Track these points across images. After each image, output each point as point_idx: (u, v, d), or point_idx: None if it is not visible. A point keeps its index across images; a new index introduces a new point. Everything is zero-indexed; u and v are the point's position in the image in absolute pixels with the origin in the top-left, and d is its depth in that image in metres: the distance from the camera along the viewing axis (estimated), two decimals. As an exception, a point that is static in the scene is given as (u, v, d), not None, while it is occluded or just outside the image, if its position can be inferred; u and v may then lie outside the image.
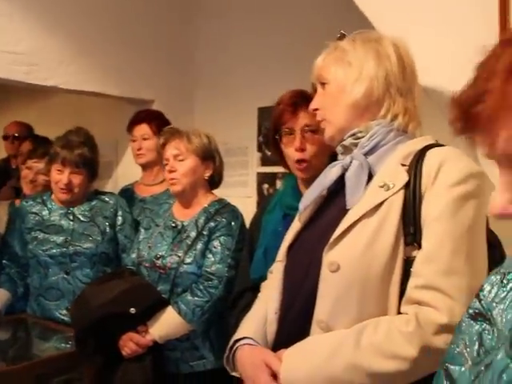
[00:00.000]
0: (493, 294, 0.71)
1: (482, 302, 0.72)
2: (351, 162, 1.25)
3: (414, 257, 1.11)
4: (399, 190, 1.15)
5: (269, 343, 1.28)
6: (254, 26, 3.28)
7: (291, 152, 1.66)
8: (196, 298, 1.95)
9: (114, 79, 3.13)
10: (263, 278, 1.50)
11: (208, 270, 1.98)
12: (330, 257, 1.16)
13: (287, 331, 1.25)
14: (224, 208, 2.10)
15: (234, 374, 1.32)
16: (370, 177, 1.23)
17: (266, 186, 3.28)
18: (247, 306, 1.47)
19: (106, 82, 3.09)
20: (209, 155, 2.13)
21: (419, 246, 1.11)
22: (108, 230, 2.36)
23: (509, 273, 0.71)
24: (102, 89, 3.09)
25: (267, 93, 2.99)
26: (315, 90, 1.37)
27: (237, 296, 1.80)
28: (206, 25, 3.53)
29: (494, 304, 0.70)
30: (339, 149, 1.32)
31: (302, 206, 1.33)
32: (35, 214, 2.39)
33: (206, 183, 2.15)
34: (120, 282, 1.98)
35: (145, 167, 2.76)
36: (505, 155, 0.57)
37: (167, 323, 1.96)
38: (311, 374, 1.12)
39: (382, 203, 1.15)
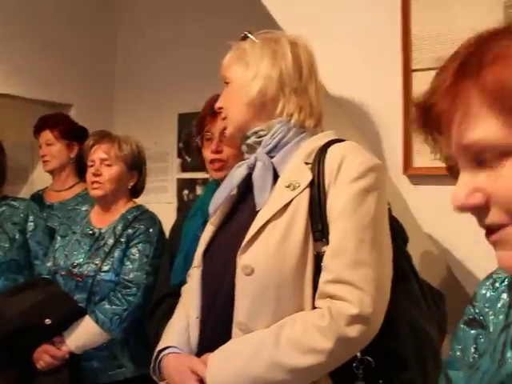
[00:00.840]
0: (485, 300, 0.74)
1: (476, 308, 0.75)
2: (256, 162, 1.29)
3: (324, 252, 1.17)
4: (305, 189, 1.20)
5: (193, 349, 1.29)
6: (175, 32, 3.29)
7: (208, 154, 1.69)
8: (114, 307, 1.92)
9: (29, 82, 3.04)
10: (183, 283, 1.51)
11: (126, 277, 1.96)
12: (243, 260, 1.19)
13: (210, 335, 1.27)
14: (142, 215, 2.08)
15: (161, 383, 1.32)
16: (277, 176, 1.27)
17: (186, 192, 3.29)
18: (168, 313, 1.47)
19: (21, 84, 3.01)
20: (136, 165, 2.12)
21: (327, 242, 1.17)
22: (18, 236, 2.24)
23: (499, 278, 0.74)
24: (17, 91, 3.00)
25: (188, 99, 3.04)
26: None
27: (156, 303, 1.78)
28: (128, 30, 3.51)
29: (487, 309, 0.73)
30: (244, 148, 1.35)
31: (211, 207, 1.36)
32: None
33: (127, 191, 2.13)
34: (34, 293, 1.93)
35: (52, 173, 2.70)
36: (458, 150, 0.59)
37: (84, 333, 1.92)
38: (236, 375, 1.15)
39: (289, 203, 1.19)
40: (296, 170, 1.24)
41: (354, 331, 1.10)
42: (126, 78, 3.50)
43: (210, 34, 3.03)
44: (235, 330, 1.20)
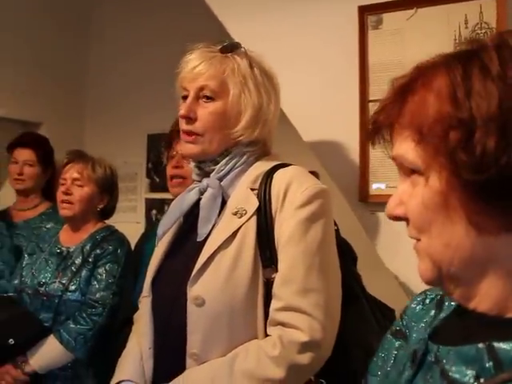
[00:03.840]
0: (414, 314, 0.78)
1: (404, 320, 0.79)
2: (207, 188, 1.26)
3: (274, 278, 1.17)
4: (252, 216, 1.19)
5: (147, 379, 1.27)
6: (144, 52, 3.33)
7: (169, 169, 1.69)
8: (79, 326, 1.93)
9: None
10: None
11: (92, 297, 1.96)
12: (193, 291, 1.18)
13: (163, 366, 1.26)
14: (111, 235, 2.10)
15: None
16: (224, 201, 1.25)
17: (154, 211, 3.32)
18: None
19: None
20: (108, 188, 2.13)
21: (277, 269, 1.17)
22: (-18, 255, 2.24)
23: (429, 296, 0.78)
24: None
25: (157, 120, 3.07)
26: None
27: (122, 324, 1.78)
28: (99, 50, 3.54)
29: (413, 323, 0.77)
30: (195, 170, 1.32)
31: (160, 231, 1.32)
32: None
33: (97, 213, 2.14)
34: (-2, 311, 1.92)
35: (22, 193, 2.61)
36: (396, 159, 0.66)
37: (48, 353, 1.92)
38: None
39: (237, 231, 1.19)
40: (242, 196, 1.23)
41: (305, 358, 1.11)
42: (97, 99, 3.53)
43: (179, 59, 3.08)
44: (189, 361, 1.19)
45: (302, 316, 1.13)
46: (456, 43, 1.62)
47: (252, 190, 1.23)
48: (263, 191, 1.21)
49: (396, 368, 0.72)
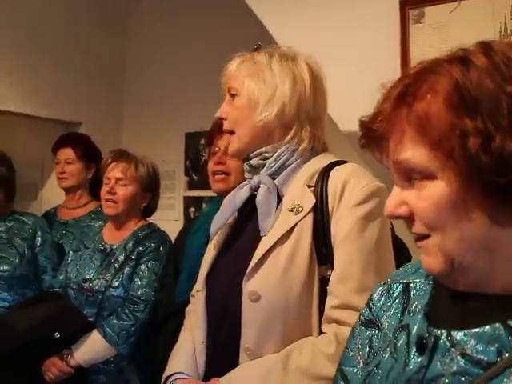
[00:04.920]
0: (381, 303, 0.82)
1: (372, 310, 0.83)
2: (259, 185, 1.26)
3: (329, 275, 1.16)
4: (308, 213, 1.19)
5: (200, 373, 1.29)
6: (182, 52, 3.36)
7: (210, 166, 1.69)
8: (121, 322, 1.96)
9: (42, 101, 3.10)
10: (188, 301, 1.51)
11: (134, 293, 2.00)
12: (249, 287, 1.18)
13: (216, 360, 1.26)
14: (153, 233, 2.13)
15: None
16: (279, 197, 1.25)
17: (192, 209, 3.34)
18: (175, 331, 1.47)
19: (33, 103, 3.06)
20: (150, 186, 2.16)
21: (332, 266, 1.16)
22: (27, 251, 2.29)
23: (394, 284, 0.82)
24: (28, 110, 3.05)
25: (195, 119, 3.11)
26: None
27: (164, 320, 1.81)
28: (137, 49, 3.58)
29: (382, 312, 0.80)
30: (246, 167, 1.32)
31: (213, 229, 1.34)
32: None
33: (140, 211, 2.17)
34: (45, 306, 1.97)
35: (68, 191, 2.73)
36: (393, 166, 0.69)
37: (92, 347, 1.96)
38: None
39: (293, 227, 1.18)
40: (298, 193, 1.23)
41: None
42: (135, 98, 3.57)
43: (220, 58, 3.10)
44: (242, 355, 1.20)
45: (357, 314, 1.11)
46: (501, 35, 1.59)
47: (308, 186, 1.23)
48: (320, 188, 1.20)
49: (388, 358, 0.74)
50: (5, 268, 2.24)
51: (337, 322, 1.14)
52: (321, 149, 1.30)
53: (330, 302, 1.15)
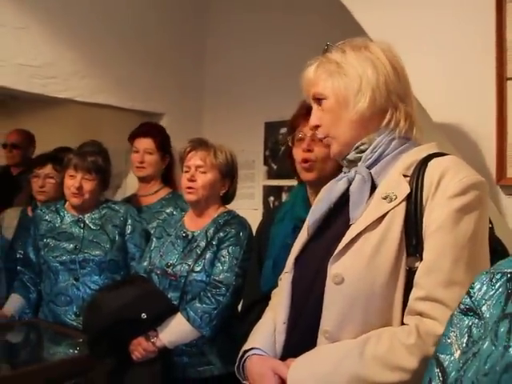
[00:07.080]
0: (482, 292, 0.80)
1: (473, 298, 0.81)
2: (355, 175, 1.26)
3: (417, 267, 1.13)
4: (401, 202, 1.16)
5: (277, 353, 1.29)
6: (261, 43, 3.38)
7: (299, 153, 1.69)
8: (204, 305, 2.02)
9: (127, 92, 3.19)
10: (273, 289, 1.52)
11: (216, 278, 2.05)
12: (334, 269, 1.18)
13: (295, 341, 1.27)
14: (233, 219, 2.17)
15: (244, 382, 1.33)
16: (374, 187, 1.24)
17: (271, 198, 3.36)
18: (259, 319, 1.47)
19: (119, 94, 3.16)
20: (229, 173, 2.21)
21: (421, 257, 1.13)
22: (117, 238, 2.42)
23: (497, 273, 0.80)
24: (115, 101, 3.16)
25: (274, 109, 3.12)
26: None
27: (247, 309, 1.83)
28: (217, 42, 3.63)
29: (484, 301, 0.79)
30: (344, 163, 1.32)
31: (311, 221, 1.34)
32: (48, 221, 2.47)
33: (219, 198, 2.22)
34: (132, 288, 2.06)
35: (143, 179, 2.83)
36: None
37: (177, 329, 2.03)
38: (317, 383, 1.15)
39: (384, 215, 1.17)
40: (394, 182, 1.21)
41: None
42: (215, 89, 3.63)
43: (298, 47, 3.09)
44: (320, 338, 1.20)
45: (442, 308, 1.08)
46: None
47: (405, 176, 1.21)
48: (416, 178, 1.18)
49: (488, 345, 0.73)
50: (97, 253, 2.36)
51: (420, 314, 1.11)
52: (417, 133, 1.28)
53: (415, 293, 1.12)
